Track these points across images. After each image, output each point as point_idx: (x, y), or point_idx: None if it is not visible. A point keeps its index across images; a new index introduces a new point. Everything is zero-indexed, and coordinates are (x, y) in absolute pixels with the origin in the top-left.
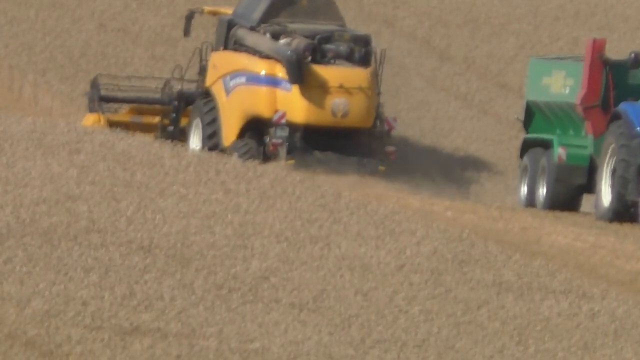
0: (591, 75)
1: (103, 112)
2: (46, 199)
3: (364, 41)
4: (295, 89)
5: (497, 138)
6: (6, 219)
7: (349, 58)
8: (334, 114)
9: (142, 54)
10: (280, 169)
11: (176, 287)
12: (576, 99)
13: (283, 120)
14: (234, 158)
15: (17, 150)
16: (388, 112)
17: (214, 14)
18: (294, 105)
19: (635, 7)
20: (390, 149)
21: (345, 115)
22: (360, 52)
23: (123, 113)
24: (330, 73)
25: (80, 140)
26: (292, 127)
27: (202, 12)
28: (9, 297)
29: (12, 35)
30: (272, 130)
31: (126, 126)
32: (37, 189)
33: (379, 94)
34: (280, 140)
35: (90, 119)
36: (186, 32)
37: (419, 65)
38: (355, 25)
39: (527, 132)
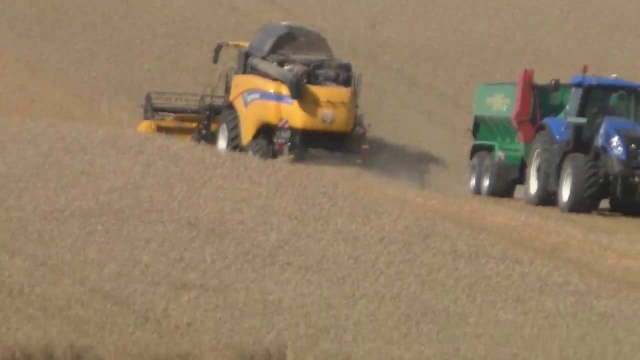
0: (523, 96)
1: (154, 119)
2: (118, 188)
3: (347, 68)
4: (295, 103)
5: (453, 144)
6: (88, 203)
7: (335, 80)
8: (323, 121)
9: (189, 80)
10: (291, 166)
11: (215, 254)
12: (511, 115)
13: (286, 126)
14: (257, 157)
15: (96, 151)
16: (368, 121)
17: (236, 46)
18: (294, 115)
19: (556, 47)
20: (365, 147)
21: (332, 122)
22: (343, 76)
23: (169, 120)
24: (321, 91)
25: (144, 144)
26: (293, 131)
27: (227, 45)
28: (91, 261)
29: (93, 65)
30: (278, 133)
31: (171, 130)
32: (111, 180)
33: (357, 106)
34: (283, 141)
35: (144, 125)
36: (215, 60)
37: (394, 90)
38: (347, 59)
39: (475, 140)
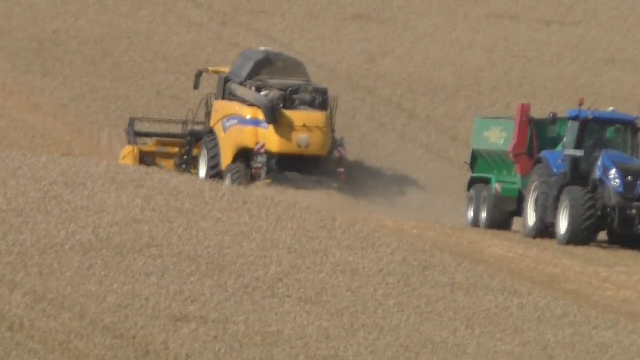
0: (520, 130)
1: (137, 144)
2: (118, 222)
3: (323, 92)
4: (271, 128)
5: (451, 176)
6: (88, 237)
7: (311, 105)
8: (299, 145)
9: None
10: (291, 199)
11: (214, 287)
12: (509, 148)
13: (263, 150)
14: (236, 183)
15: (96, 185)
16: (368, 158)
17: (216, 72)
18: (270, 139)
19: (553, 80)
20: (341, 170)
21: (307, 146)
22: (319, 100)
23: (151, 145)
24: (297, 116)
25: (144, 178)
26: (269, 155)
27: (208, 71)
28: (91, 294)
29: (93, 100)
30: (254, 157)
31: (153, 154)
32: (111, 215)
33: (333, 130)
34: (260, 165)
35: (127, 150)
36: (196, 87)
37: (393, 123)
38: (346, 92)
39: (473, 172)
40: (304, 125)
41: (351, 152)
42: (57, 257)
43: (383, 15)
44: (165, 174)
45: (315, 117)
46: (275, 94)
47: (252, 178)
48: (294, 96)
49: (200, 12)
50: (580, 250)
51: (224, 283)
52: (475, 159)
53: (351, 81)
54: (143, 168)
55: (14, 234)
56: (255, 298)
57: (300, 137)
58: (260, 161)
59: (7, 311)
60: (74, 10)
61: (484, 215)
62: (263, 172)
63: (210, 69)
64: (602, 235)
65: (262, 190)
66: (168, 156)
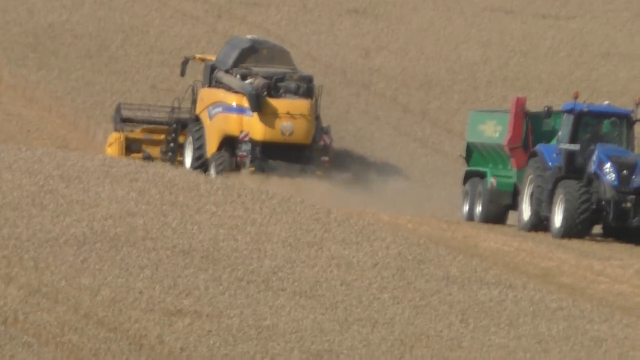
0: (515, 123)
1: (123, 131)
2: (112, 215)
3: (308, 80)
4: (255, 115)
5: (446, 170)
6: (83, 230)
7: (295, 92)
8: (283, 133)
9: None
10: (285, 193)
11: (208, 280)
12: (504, 141)
13: (247, 138)
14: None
15: (91, 179)
16: (363, 151)
17: (202, 60)
18: (254, 127)
19: (548, 74)
20: (325, 158)
21: (291, 134)
22: (304, 88)
23: (137, 131)
24: (281, 104)
25: (138, 172)
26: (254, 143)
27: (194, 58)
28: (85, 287)
29: (88, 94)
30: (239, 145)
31: (140, 142)
32: (105, 208)
33: (317, 118)
34: (244, 153)
35: (114, 136)
36: (182, 74)
37: (387, 117)
38: (341, 88)
39: (468, 166)
40: (288, 113)
41: (346, 146)
42: (51, 250)
43: (378, 10)
44: (160, 167)
45: (299, 104)
46: (260, 81)
47: (237, 166)
48: (279, 84)
49: (195, 5)
50: (575, 243)
51: (218, 276)
52: (470, 152)
53: (346, 75)
54: (137, 162)
55: (9, 227)
56: (250, 291)
57: (283, 124)
58: (244, 149)
59: (2, 305)
60: (69, 4)
61: (479, 209)
62: (247, 160)
63: (197, 56)
64: (597, 229)
65: (245, 178)
66: (154, 143)
